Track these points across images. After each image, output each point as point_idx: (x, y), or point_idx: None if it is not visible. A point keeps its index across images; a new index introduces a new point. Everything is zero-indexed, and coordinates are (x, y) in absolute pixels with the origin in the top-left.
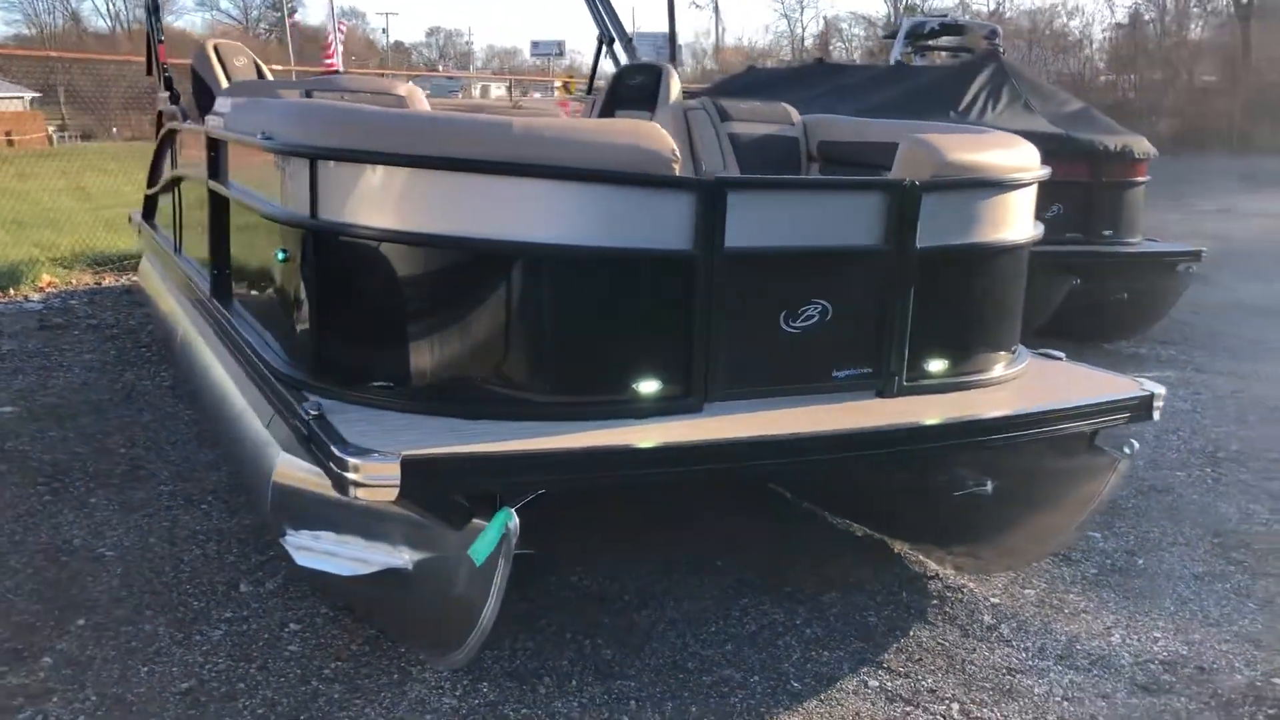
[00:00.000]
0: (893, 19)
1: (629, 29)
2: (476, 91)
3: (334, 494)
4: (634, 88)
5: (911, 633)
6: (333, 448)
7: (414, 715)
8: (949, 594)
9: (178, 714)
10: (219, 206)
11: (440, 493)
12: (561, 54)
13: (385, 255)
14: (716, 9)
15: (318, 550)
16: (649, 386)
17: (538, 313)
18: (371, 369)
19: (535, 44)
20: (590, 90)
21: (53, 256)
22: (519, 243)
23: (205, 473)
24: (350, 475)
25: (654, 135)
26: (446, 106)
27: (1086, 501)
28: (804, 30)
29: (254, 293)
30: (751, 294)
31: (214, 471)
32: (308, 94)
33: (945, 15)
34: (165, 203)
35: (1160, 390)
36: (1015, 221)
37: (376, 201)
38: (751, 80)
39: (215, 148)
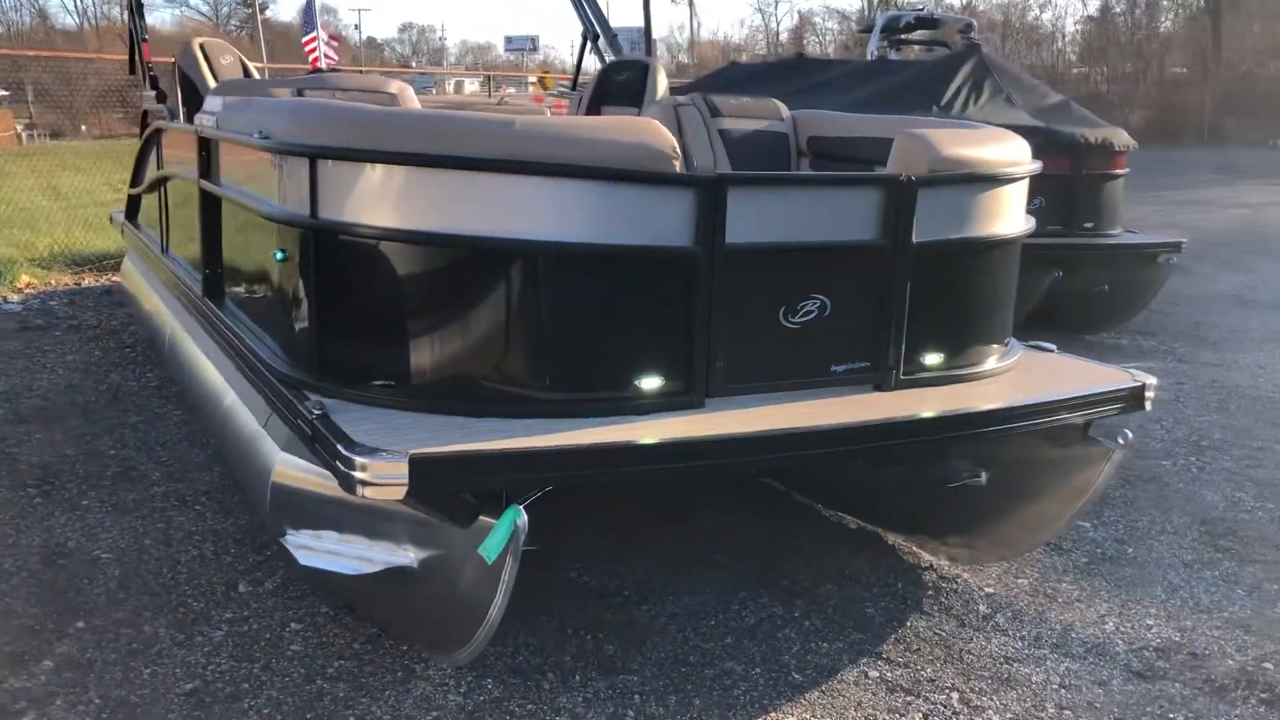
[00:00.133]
0: (867, 13)
1: None
2: (450, 87)
3: (335, 493)
4: (620, 84)
5: (909, 623)
6: (340, 447)
7: (420, 712)
8: (944, 585)
9: (183, 715)
10: (211, 206)
11: (448, 491)
12: (535, 49)
13: (387, 254)
14: (691, 3)
15: (319, 549)
16: (652, 383)
17: (541, 310)
18: (373, 368)
19: (509, 39)
20: (574, 86)
21: (30, 257)
22: (522, 240)
23: (197, 473)
24: (358, 474)
25: (655, 133)
26: (433, 103)
27: (1081, 492)
28: (778, 24)
29: (249, 292)
30: (751, 290)
31: (206, 472)
32: (299, 93)
33: (921, 9)
34: (151, 202)
35: (1152, 380)
36: (1009, 216)
37: (378, 200)
38: (733, 75)
39: (207, 147)
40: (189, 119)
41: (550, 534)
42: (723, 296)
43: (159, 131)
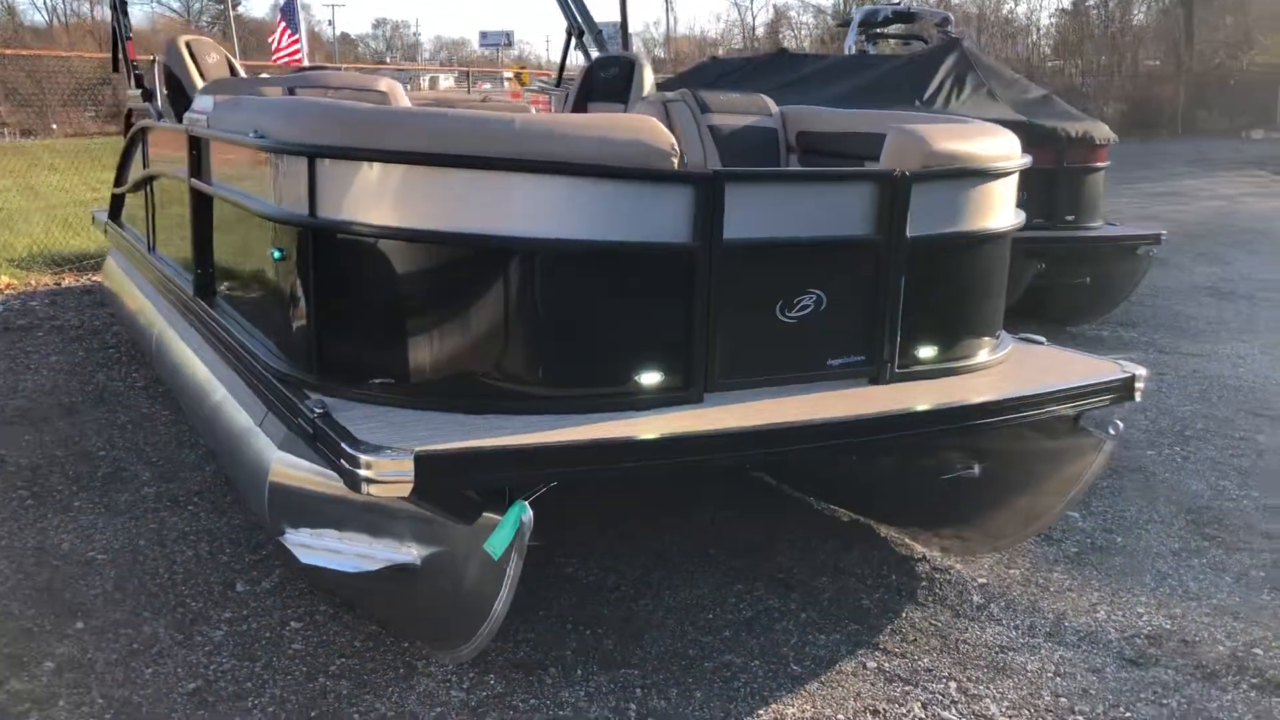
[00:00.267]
0: (843, 7)
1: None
2: (425, 83)
3: (334, 491)
4: (606, 80)
5: (904, 614)
6: (344, 445)
7: (424, 708)
8: (937, 575)
9: (187, 714)
10: (202, 205)
11: (453, 487)
12: (510, 44)
13: (386, 252)
14: None
15: (319, 548)
16: (651, 378)
17: (542, 307)
18: (373, 366)
19: (484, 34)
20: (559, 82)
21: (9, 257)
22: (523, 238)
23: (189, 473)
24: (363, 472)
25: (654, 130)
26: (415, 100)
27: (1072, 482)
28: (754, 19)
29: (244, 292)
30: (749, 285)
31: (197, 472)
32: (291, 91)
33: (898, 3)
34: (136, 201)
35: (1142, 371)
36: (1000, 210)
37: (378, 198)
38: (714, 71)
39: (198, 146)
40: (177, 118)
41: (547, 530)
42: (721, 291)
43: (145, 130)
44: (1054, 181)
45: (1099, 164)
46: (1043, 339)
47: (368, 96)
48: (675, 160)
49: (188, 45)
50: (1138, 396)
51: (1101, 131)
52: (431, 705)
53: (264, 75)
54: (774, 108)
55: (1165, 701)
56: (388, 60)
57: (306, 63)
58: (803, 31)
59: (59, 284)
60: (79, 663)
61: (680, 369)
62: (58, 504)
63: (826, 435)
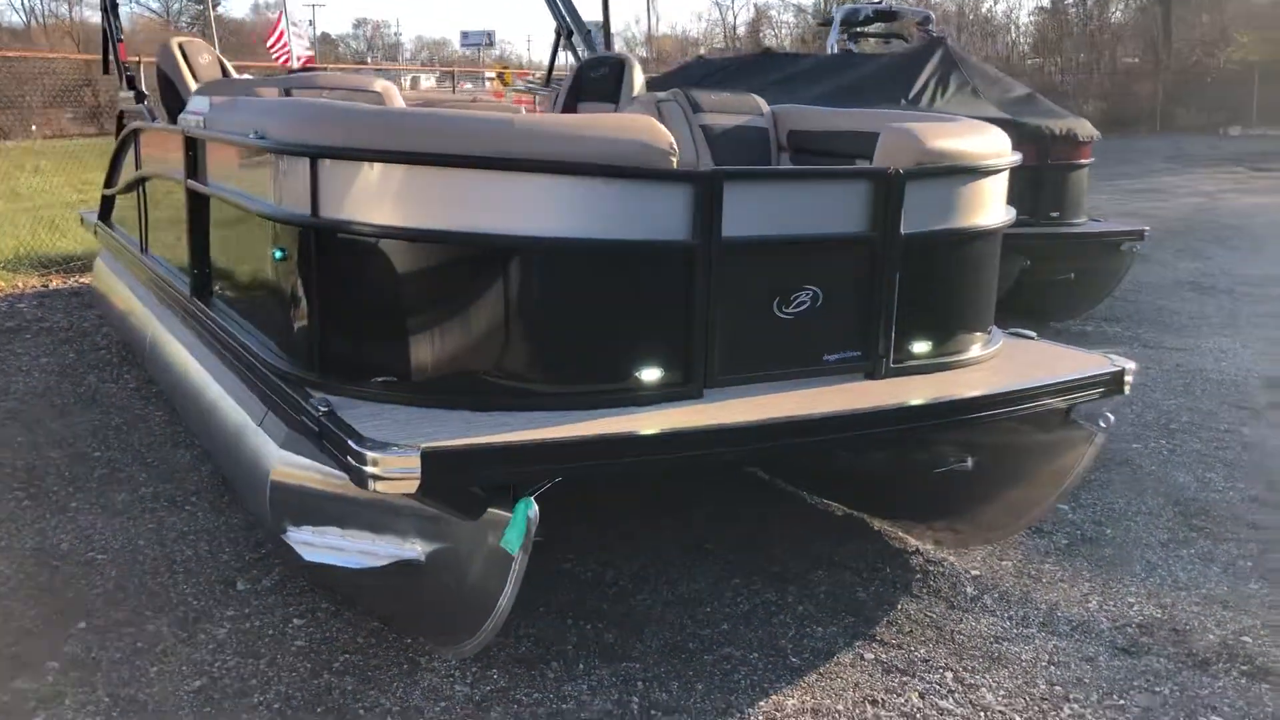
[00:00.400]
0: (824, 6)
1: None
2: (406, 83)
3: (337, 489)
4: (596, 80)
5: (900, 606)
6: (350, 443)
7: (428, 704)
8: (931, 568)
9: (193, 711)
10: (199, 206)
11: (459, 484)
12: (491, 44)
13: (389, 252)
14: None
15: (322, 545)
16: (652, 374)
17: (543, 306)
18: (376, 364)
19: (465, 34)
20: (549, 83)
21: None
22: (524, 237)
23: (185, 473)
24: (370, 469)
25: (653, 130)
26: (409, 101)
27: (1064, 475)
28: (735, 18)
29: (244, 292)
30: (747, 282)
31: (194, 472)
32: (287, 93)
33: (879, 1)
34: (128, 203)
35: (1131, 365)
36: (992, 206)
37: (379, 198)
38: (700, 70)
39: (194, 147)
40: (170, 119)
41: (548, 525)
42: (720, 288)
43: (137, 131)
44: (1038, 179)
45: (1083, 161)
46: (1033, 334)
47: (363, 97)
48: (674, 159)
49: (180, 47)
50: (1127, 390)
51: (1085, 129)
52: (436, 700)
53: (247, 76)
54: (765, 107)
55: (1158, 689)
56: (369, 60)
57: (295, 64)
58: (783, 30)
59: (47, 286)
60: (84, 661)
61: (680, 365)
62: (55, 505)
63: (826, 429)
